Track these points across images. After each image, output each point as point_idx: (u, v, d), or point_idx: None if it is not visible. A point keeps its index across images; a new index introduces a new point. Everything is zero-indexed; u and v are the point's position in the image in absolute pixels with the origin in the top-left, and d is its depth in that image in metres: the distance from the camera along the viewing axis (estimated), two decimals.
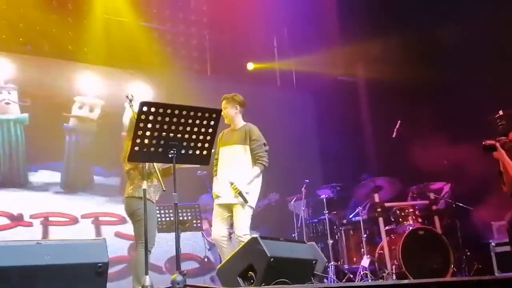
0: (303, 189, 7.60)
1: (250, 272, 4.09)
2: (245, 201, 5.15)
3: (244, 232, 5.16)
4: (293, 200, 7.92)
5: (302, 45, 9.83)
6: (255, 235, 4.37)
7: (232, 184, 5.19)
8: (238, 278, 4.12)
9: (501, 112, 5.41)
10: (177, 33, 9.62)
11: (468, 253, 7.03)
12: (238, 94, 5.61)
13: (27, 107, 7.84)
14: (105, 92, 8.40)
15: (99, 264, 3.51)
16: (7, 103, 7.76)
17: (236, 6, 9.13)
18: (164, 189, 4.50)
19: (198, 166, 5.61)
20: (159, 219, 6.72)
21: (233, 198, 5.23)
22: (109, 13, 8.63)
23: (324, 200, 7.42)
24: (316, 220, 7.74)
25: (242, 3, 9.12)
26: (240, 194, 5.15)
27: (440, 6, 7.95)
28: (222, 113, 5.39)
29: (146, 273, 4.24)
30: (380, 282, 5.82)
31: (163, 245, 6.23)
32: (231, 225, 5.37)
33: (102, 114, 8.30)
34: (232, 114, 5.51)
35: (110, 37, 8.45)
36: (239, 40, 9.51)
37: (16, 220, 7.46)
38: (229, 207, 5.33)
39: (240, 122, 5.56)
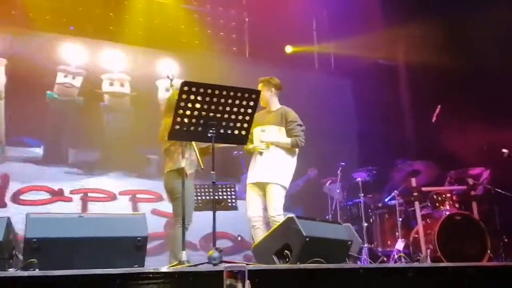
0: (338, 171, 7.61)
1: (286, 251, 4.14)
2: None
3: (278, 212, 5.22)
4: (328, 183, 7.93)
5: (341, 28, 9.73)
6: (291, 215, 4.43)
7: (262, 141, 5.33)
8: (273, 256, 4.18)
9: None
10: (217, 15, 9.67)
11: (506, 240, 6.93)
12: (274, 77, 5.64)
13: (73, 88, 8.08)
14: (140, 72, 8.53)
15: (138, 238, 3.62)
16: (67, 87, 8.03)
17: None
18: (203, 167, 4.58)
19: (235, 146, 5.70)
20: (196, 198, 6.85)
21: (271, 177, 5.29)
22: None
23: (360, 183, 7.41)
24: (351, 203, 7.74)
25: None
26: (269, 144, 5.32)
27: None
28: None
29: (183, 249, 4.36)
30: (415, 264, 5.79)
31: (197, 222, 6.32)
32: (264, 205, 5.42)
33: (135, 92, 8.43)
34: (268, 96, 5.55)
35: (151, 19, 8.61)
36: (278, 22, 9.46)
37: (57, 195, 7.70)
38: (262, 187, 5.38)
39: (275, 104, 5.60)
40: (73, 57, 8.17)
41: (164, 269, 3.18)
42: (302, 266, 3.96)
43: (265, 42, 9.62)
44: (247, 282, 2.19)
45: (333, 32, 10.03)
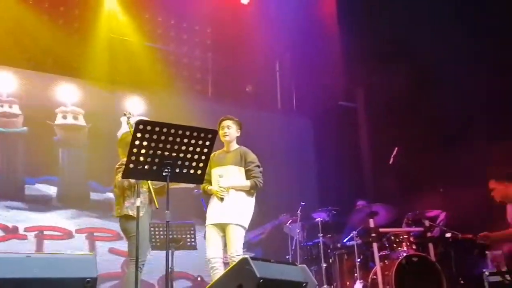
0: (298, 211, 7.63)
1: None
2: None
3: (238, 252, 5.20)
4: (289, 223, 7.93)
5: (303, 70, 9.95)
6: (246, 255, 4.39)
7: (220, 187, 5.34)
8: None
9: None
10: (181, 54, 9.77)
11: (462, 282, 7.01)
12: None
13: (26, 121, 7.95)
14: (99, 108, 8.47)
15: (88, 279, 3.51)
16: (8, 117, 7.87)
17: (240, 29, 9.29)
18: (157, 207, 4.55)
19: (193, 186, 5.68)
20: (154, 237, 6.76)
21: (233, 218, 5.30)
22: (115, 32, 8.79)
23: (319, 223, 7.43)
24: (310, 243, 7.73)
25: (246, 27, 9.28)
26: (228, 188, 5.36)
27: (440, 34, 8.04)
28: (226, 132, 5.55)
29: None
30: None
31: (156, 262, 6.25)
32: (224, 246, 5.41)
33: (90, 124, 8.36)
34: (234, 135, 5.62)
35: (114, 56, 8.59)
36: (241, 63, 9.62)
37: (11, 232, 7.51)
38: (222, 227, 5.38)
39: (235, 144, 5.67)
40: (25, 91, 8.11)
41: None
42: None
43: (229, 82, 9.74)
44: None
45: (295, 74, 10.21)
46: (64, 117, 8.30)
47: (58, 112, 8.29)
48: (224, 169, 5.51)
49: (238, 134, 5.65)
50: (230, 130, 5.57)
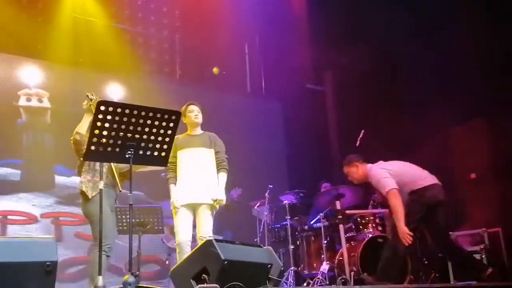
0: (266, 194, 7.65)
1: (203, 275, 4.08)
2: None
3: (210, 233, 5.19)
4: (257, 205, 7.95)
5: (272, 53, 9.93)
6: (210, 237, 4.38)
7: (215, 200, 5.28)
8: (191, 280, 4.10)
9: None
10: (149, 35, 9.62)
11: (426, 262, 7.14)
12: None
13: None
14: (66, 90, 8.30)
15: (48, 263, 3.47)
16: None
17: (209, 11, 9.19)
18: (121, 190, 4.50)
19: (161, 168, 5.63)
20: (121, 221, 6.70)
21: (200, 197, 5.26)
22: (79, 13, 8.61)
23: (287, 205, 7.46)
24: (278, 226, 7.77)
25: (215, 9, 9.18)
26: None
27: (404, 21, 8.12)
28: (198, 114, 5.53)
29: (100, 274, 4.24)
30: (332, 287, 5.87)
31: (123, 246, 6.18)
32: (194, 227, 5.38)
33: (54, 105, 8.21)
34: (201, 120, 5.59)
35: (80, 37, 8.42)
36: (210, 45, 9.53)
37: None
38: (193, 207, 5.33)
39: (200, 129, 5.64)
40: None
41: None
42: None
43: (197, 64, 9.65)
44: None
45: (264, 57, 10.18)
46: (28, 100, 8.12)
47: (21, 94, 8.10)
48: (193, 150, 5.45)
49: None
50: (200, 115, 5.57)
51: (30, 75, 8.21)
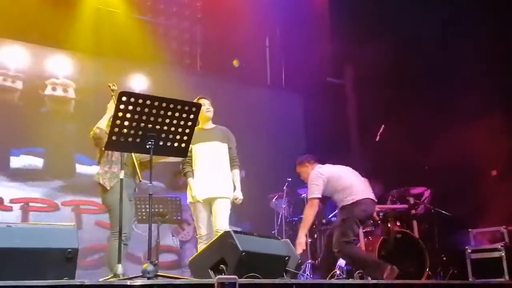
0: (284, 187, 7.66)
1: (221, 265, 4.12)
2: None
3: (226, 226, 5.22)
4: (275, 198, 7.97)
5: (293, 46, 9.90)
6: (229, 229, 4.41)
7: (236, 199, 5.41)
8: (209, 270, 4.15)
9: None
10: (170, 27, 9.66)
11: (444, 258, 7.12)
12: None
13: (14, 92, 7.87)
14: (90, 81, 8.39)
15: (69, 250, 3.54)
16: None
17: (230, 3, 9.19)
18: (141, 180, 4.55)
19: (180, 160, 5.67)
20: (140, 210, 6.77)
21: (215, 192, 5.32)
22: (102, 4, 8.67)
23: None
24: (296, 219, 7.78)
25: (236, 2, 9.19)
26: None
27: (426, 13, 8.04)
28: (209, 108, 5.58)
29: (119, 262, 4.30)
30: (349, 280, 5.87)
31: (142, 235, 6.25)
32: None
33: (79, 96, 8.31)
34: (212, 114, 5.64)
35: (102, 28, 8.47)
36: (231, 37, 9.53)
37: None
38: (209, 202, 5.39)
39: (212, 123, 5.69)
40: (12, 61, 8.02)
41: (91, 282, 3.11)
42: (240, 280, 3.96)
43: (218, 56, 9.66)
44: None
45: (285, 50, 10.16)
46: (54, 89, 8.23)
47: (48, 83, 8.21)
48: (209, 144, 5.50)
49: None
50: (211, 108, 5.61)
51: (56, 66, 8.32)
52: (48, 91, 8.19)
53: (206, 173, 5.41)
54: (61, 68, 8.34)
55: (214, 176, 5.39)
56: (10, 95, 7.91)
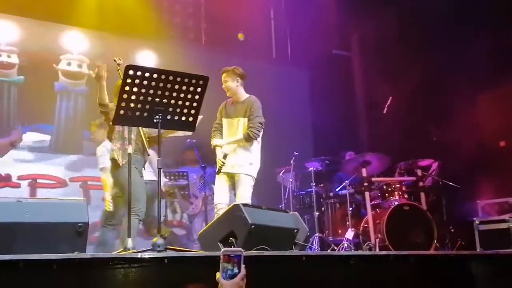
0: (292, 161, 7.65)
1: (231, 238, 4.13)
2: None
3: (246, 201, 5.23)
4: (282, 172, 7.96)
5: (298, 18, 9.78)
6: (237, 202, 4.42)
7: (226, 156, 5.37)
8: (218, 243, 4.16)
9: None
10: (173, 0, 9.55)
11: (452, 230, 7.12)
12: (238, 67, 5.58)
13: (22, 69, 7.86)
14: (97, 57, 8.33)
15: (79, 224, 3.54)
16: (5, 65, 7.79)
17: None
18: (149, 154, 4.55)
19: (188, 134, 5.66)
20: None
21: (241, 168, 5.33)
22: None
23: (312, 172, 7.47)
24: (303, 192, 7.79)
25: None
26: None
27: None
28: (224, 86, 5.54)
29: (129, 236, 4.33)
30: (358, 252, 5.89)
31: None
32: (234, 194, 5.47)
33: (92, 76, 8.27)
34: (234, 87, 5.52)
35: (105, 3, 8.38)
36: (235, 10, 9.42)
37: (4, 180, 7.50)
38: (231, 176, 5.41)
39: (243, 95, 5.57)
40: (26, 40, 7.98)
41: (102, 255, 3.12)
42: (247, 252, 3.97)
43: (222, 29, 9.56)
44: (243, 266, 2.18)
45: (290, 22, 10.05)
46: (69, 64, 8.23)
47: (63, 58, 8.22)
48: (232, 121, 5.49)
49: (239, 83, 5.52)
50: (227, 84, 5.51)
51: (61, 41, 8.27)
52: (62, 65, 8.19)
53: (227, 149, 5.44)
54: (67, 44, 8.29)
55: (233, 153, 5.42)
56: (21, 72, 7.88)
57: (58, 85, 8.15)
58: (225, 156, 5.37)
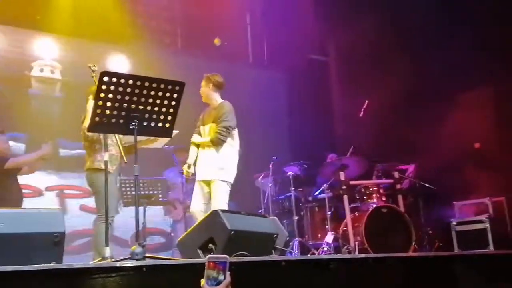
0: (270, 166, 7.64)
1: (210, 245, 4.10)
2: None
3: (222, 207, 5.21)
4: (261, 177, 7.94)
5: (275, 23, 9.80)
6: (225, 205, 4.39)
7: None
8: (198, 250, 4.13)
9: None
10: (148, 4, 9.47)
11: (430, 232, 7.19)
12: (217, 75, 5.67)
13: None
14: (70, 63, 8.24)
15: (56, 234, 3.48)
16: None
17: None
18: (126, 161, 4.49)
19: (161, 146, 5.65)
20: (125, 193, 6.72)
21: (212, 174, 5.36)
22: None
23: (291, 177, 7.47)
24: (282, 197, 7.79)
25: None
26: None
27: None
28: (200, 91, 5.56)
29: (107, 245, 4.26)
30: (337, 255, 5.90)
31: (129, 218, 6.19)
32: (209, 201, 5.46)
33: (65, 81, 8.19)
34: (206, 92, 5.60)
35: (79, 7, 8.27)
36: (211, 15, 9.39)
37: None
38: (208, 184, 5.43)
39: (216, 100, 5.62)
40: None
41: (80, 265, 3.07)
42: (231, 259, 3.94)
43: (199, 34, 9.52)
44: (228, 273, 2.16)
45: (266, 27, 10.06)
46: (41, 70, 8.11)
47: (35, 65, 8.09)
48: (205, 127, 5.59)
49: (211, 89, 5.59)
50: (201, 89, 5.61)
51: (34, 48, 8.15)
52: (35, 71, 8.07)
53: (200, 156, 5.56)
54: (39, 50, 8.16)
55: (208, 159, 5.49)
56: None
57: (32, 91, 8.02)
58: (189, 166, 5.49)
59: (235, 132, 5.57)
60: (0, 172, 5.85)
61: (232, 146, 5.51)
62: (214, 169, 5.37)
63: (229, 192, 5.45)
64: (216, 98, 5.61)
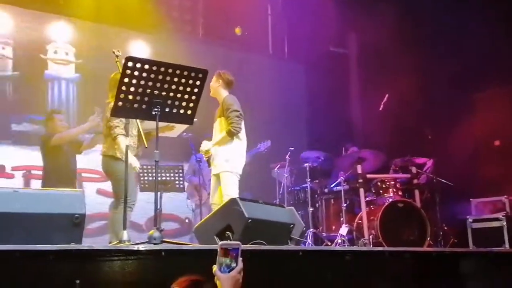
0: (287, 156, 7.64)
1: (227, 232, 4.12)
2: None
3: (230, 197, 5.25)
4: (277, 167, 7.95)
5: (296, 14, 9.77)
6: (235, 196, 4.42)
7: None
8: (215, 237, 4.15)
9: None
10: None
11: (445, 228, 7.16)
12: (228, 73, 5.72)
13: (16, 60, 7.79)
14: (93, 48, 8.29)
15: (76, 215, 3.52)
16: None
17: None
18: (146, 146, 4.52)
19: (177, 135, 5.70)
20: (143, 178, 6.79)
21: (219, 167, 5.42)
22: None
23: (307, 168, 7.47)
24: (298, 188, 7.79)
25: None
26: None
27: None
28: (210, 85, 5.62)
29: (124, 228, 4.30)
30: (353, 247, 5.91)
31: (144, 203, 6.26)
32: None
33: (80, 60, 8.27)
34: (214, 86, 5.66)
35: None
36: (233, 4, 9.39)
37: None
38: (219, 177, 5.50)
39: (222, 95, 5.65)
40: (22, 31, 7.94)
41: (99, 246, 3.11)
42: (243, 246, 3.97)
43: (220, 24, 9.53)
44: (240, 260, 2.18)
45: (287, 18, 10.03)
46: (55, 52, 8.18)
47: (49, 47, 8.16)
48: (215, 123, 5.66)
49: (219, 84, 5.65)
50: (211, 84, 5.63)
51: (57, 31, 8.24)
52: (50, 54, 8.14)
53: (213, 149, 5.58)
54: (63, 34, 8.26)
55: (216, 152, 5.53)
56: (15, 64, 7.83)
57: (48, 73, 8.11)
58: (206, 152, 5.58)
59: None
60: (57, 150, 6.12)
61: (238, 137, 5.54)
62: (221, 161, 5.45)
63: (237, 182, 5.47)
64: (223, 93, 5.66)
